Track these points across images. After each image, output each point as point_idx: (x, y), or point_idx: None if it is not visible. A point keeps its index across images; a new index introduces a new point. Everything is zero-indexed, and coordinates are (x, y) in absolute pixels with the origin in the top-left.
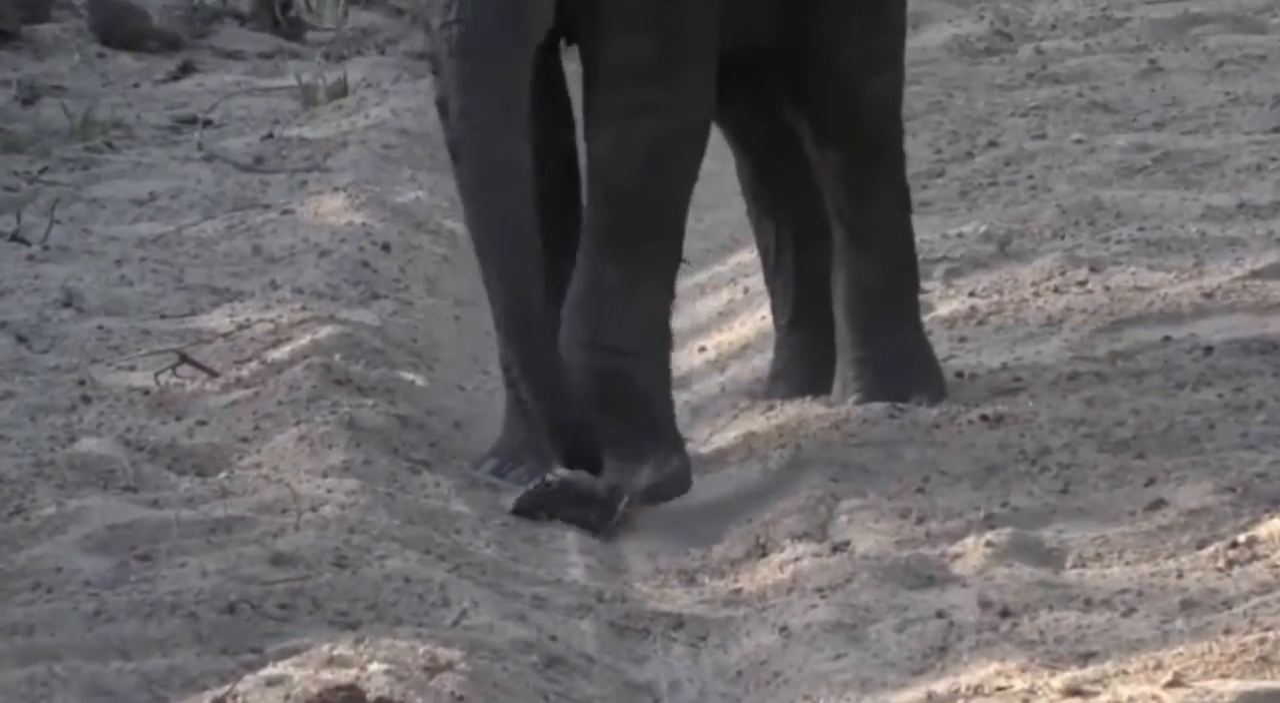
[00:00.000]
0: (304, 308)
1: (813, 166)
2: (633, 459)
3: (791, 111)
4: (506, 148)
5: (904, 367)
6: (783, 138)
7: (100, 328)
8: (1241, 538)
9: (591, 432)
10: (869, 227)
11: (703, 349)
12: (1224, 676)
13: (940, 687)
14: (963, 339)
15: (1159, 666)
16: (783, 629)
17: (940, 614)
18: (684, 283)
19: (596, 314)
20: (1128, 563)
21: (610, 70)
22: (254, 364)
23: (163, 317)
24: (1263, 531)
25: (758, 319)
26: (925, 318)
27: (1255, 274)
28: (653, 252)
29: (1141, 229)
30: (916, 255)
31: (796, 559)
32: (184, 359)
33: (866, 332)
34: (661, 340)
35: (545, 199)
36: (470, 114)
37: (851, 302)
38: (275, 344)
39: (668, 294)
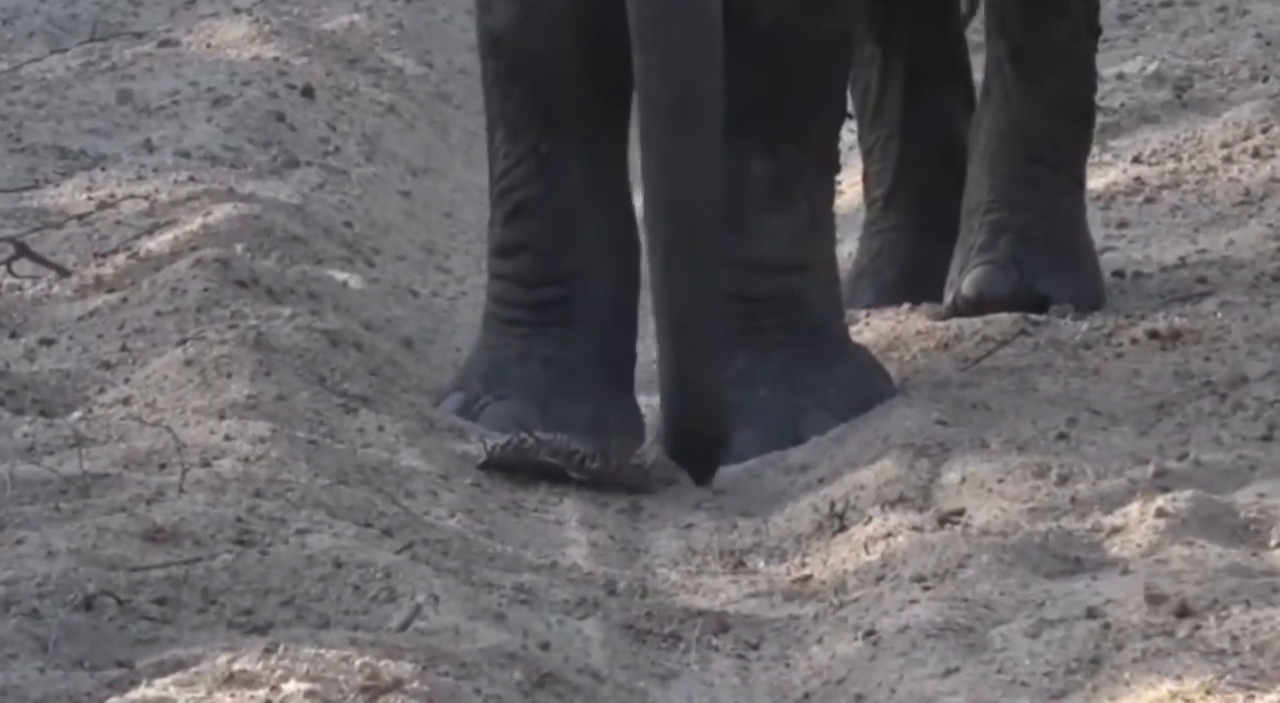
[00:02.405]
0: (192, 179)
1: None
2: (807, 396)
3: None
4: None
5: (1052, 244)
6: None
7: None
8: None
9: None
10: (1045, 50)
11: None
12: None
13: None
14: (1124, 224)
15: None
16: (869, 634)
17: (1092, 613)
18: None
19: (745, 221)
20: None
21: None
22: (121, 258)
23: None
24: None
25: (840, 190)
26: None
27: None
28: (812, 122)
29: None
30: (1095, 99)
31: (888, 535)
32: (22, 251)
33: (1012, 188)
34: (828, 242)
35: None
36: None
37: (999, 149)
38: (151, 230)
39: (832, 178)
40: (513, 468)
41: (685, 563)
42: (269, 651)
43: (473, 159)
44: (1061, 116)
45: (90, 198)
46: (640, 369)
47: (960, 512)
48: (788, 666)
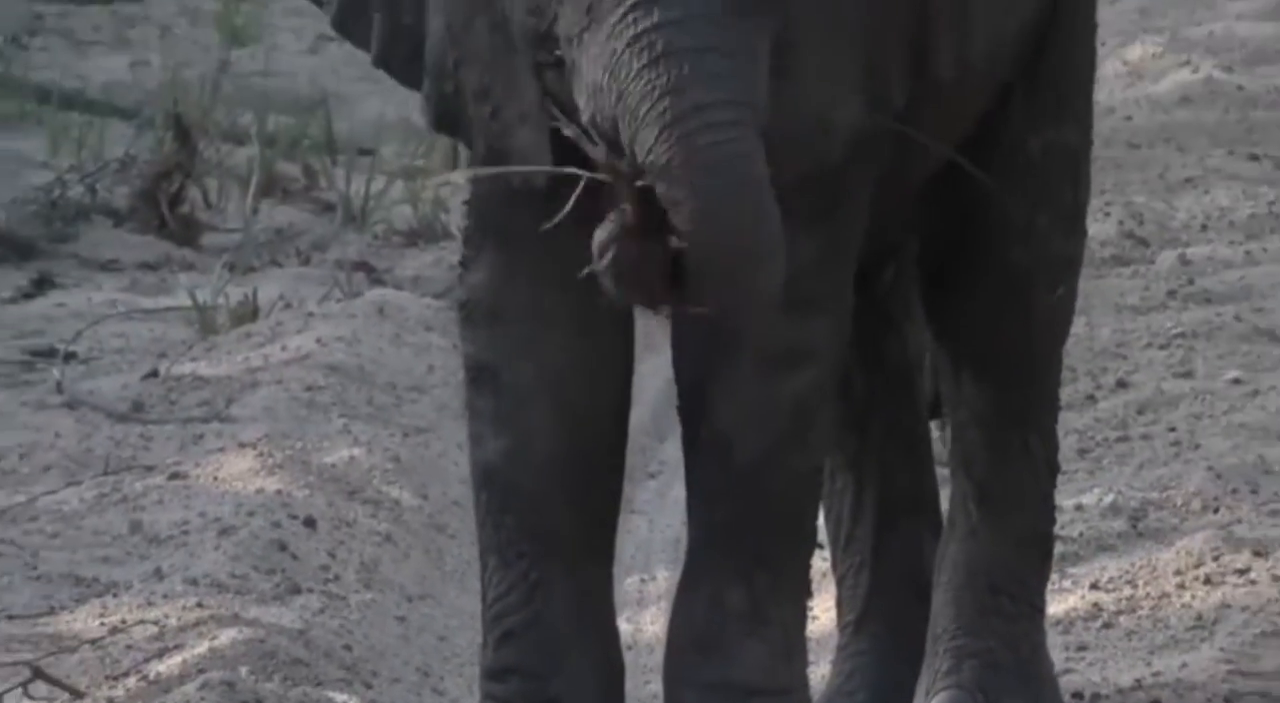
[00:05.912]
0: (199, 605)
1: (948, 405)
2: None
3: (926, 331)
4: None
5: (1014, 669)
6: (886, 370)
7: None
8: None
9: None
10: (1008, 489)
11: None
12: None
13: None
14: (1082, 648)
15: None
16: None
17: None
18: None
19: (723, 647)
20: None
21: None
22: (132, 681)
23: (9, 616)
24: None
25: (814, 615)
26: None
27: None
28: (787, 552)
29: None
30: (1054, 530)
31: None
32: (37, 674)
33: (975, 617)
34: (801, 666)
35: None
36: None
37: (963, 581)
38: (161, 654)
39: (804, 604)
40: None
41: None
42: None
43: (466, 586)
44: (1023, 551)
45: (103, 623)
46: None
47: None
48: None
